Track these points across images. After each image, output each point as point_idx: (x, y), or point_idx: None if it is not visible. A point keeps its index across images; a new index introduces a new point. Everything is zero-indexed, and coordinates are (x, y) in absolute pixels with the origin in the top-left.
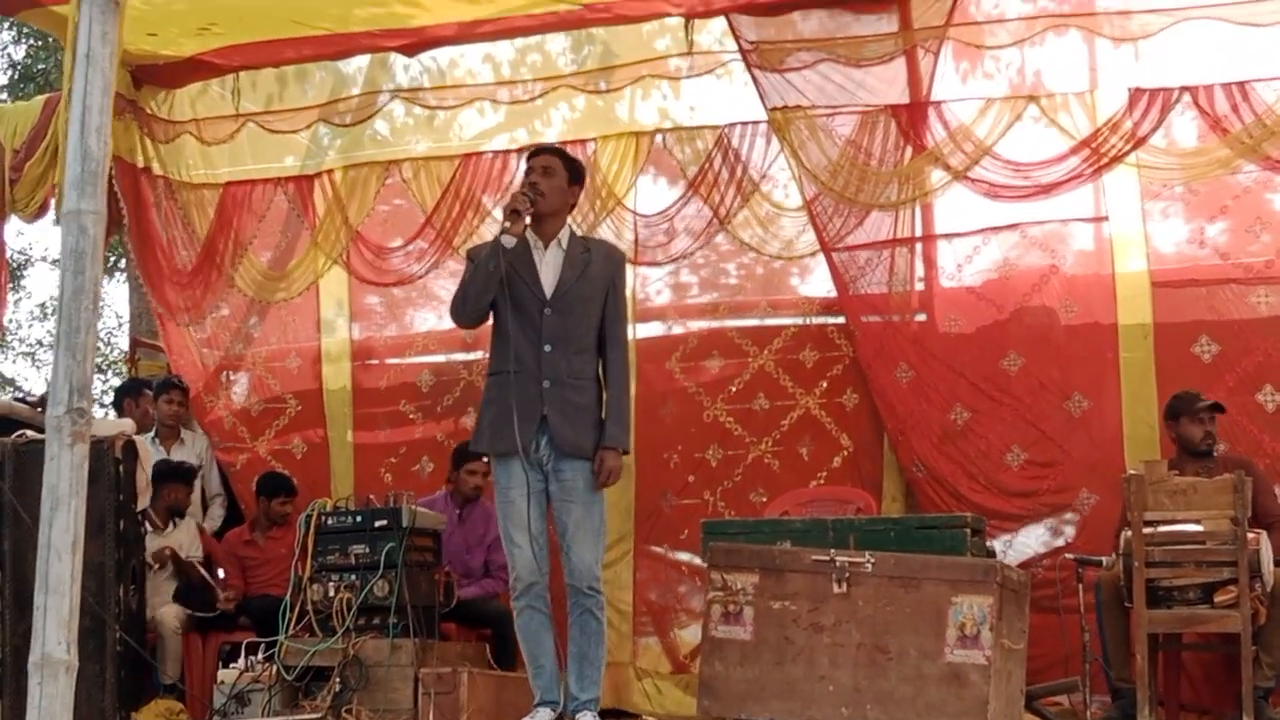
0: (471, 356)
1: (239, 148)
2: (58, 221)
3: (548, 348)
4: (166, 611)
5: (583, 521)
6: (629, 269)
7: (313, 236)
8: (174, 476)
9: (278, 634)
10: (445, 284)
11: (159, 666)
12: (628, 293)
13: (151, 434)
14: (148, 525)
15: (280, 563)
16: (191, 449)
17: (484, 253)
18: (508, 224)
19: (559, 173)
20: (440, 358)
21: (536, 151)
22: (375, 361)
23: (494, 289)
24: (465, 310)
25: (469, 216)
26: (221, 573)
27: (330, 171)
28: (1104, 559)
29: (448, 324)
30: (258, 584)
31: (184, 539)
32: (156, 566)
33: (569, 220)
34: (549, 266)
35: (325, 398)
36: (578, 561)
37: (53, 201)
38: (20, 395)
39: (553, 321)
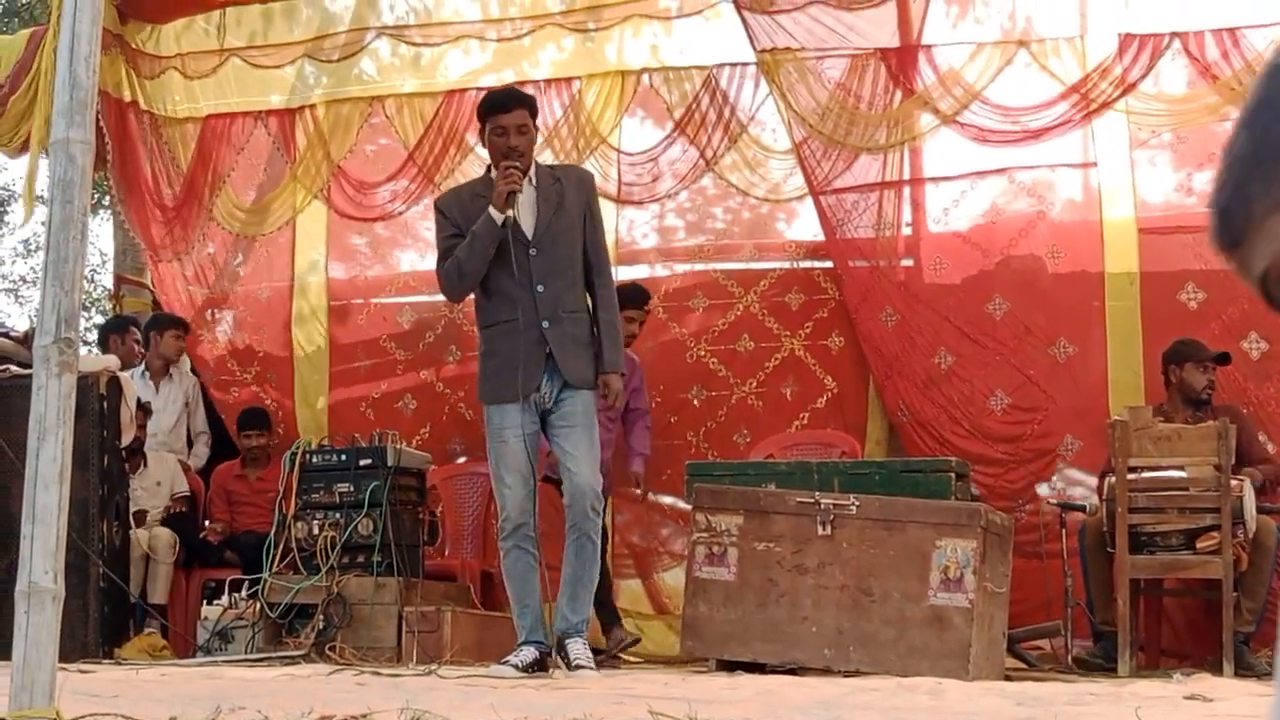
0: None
1: (223, 82)
2: (44, 152)
3: (540, 287)
4: (160, 534)
5: (581, 443)
6: (615, 210)
7: (292, 171)
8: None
9: (262, 571)
10: (428, 224)
11: (149, 586)
12: (613, 237)
13: (140, 369)
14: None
15: (269, 500)
16: (179, 386)
17: (475, 226)
18: (509, 212)
19: (530, 125)
20: (423, 298)
21: (501, 107)
22: (360, 301)
23: (486, 265)
24: (462, 288)
25: (451, 153)
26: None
27: (313, 107)
28: (1087, 504)
29: (428, 264)
30: (245, 520)
31: (164, 475)
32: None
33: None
34: (525, 206)
35: (295, 336)
36: (580, 482)
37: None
38: (3, 331)
39: (540, 261)
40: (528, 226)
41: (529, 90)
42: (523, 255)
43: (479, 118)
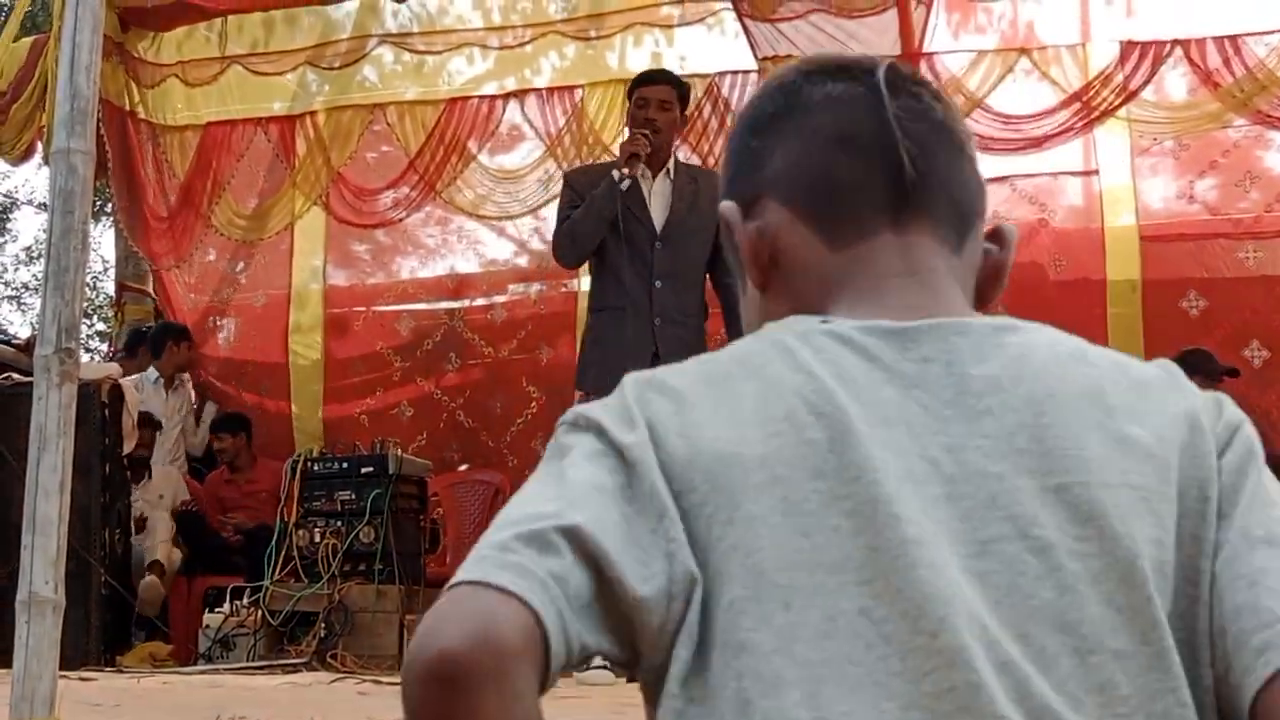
0: (455, 304)
1: (225, 90)
2: (46, 161)
3: (658, 283)
4: (158, 516)
5: None
6: None
7: (291, 177)
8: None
9: (263, 566)
10: (430, 230)
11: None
12: None
13: (153, 377)
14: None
15: (260, 500)
16: (180, 392)
17: (596, 190)
18: (625, 170)
19: (674, 105)
20: (422, 305)
21: (648, 80)
22: (360, 308)
23: (604, 231)
24: (574, 251)
25: (453, 161)
26: None
27: (314, 114)
28: None
29: (429, 271)
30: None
31: (166, 488)
32: None
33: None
34: (658, 198)
35: (293, 343)
36: None
37: (39, 144)
38: (4, 338)
39: (664, 256)
40: (658, 219)
41: (530, 99)
42: (647, 247)
43: (628, 95)
